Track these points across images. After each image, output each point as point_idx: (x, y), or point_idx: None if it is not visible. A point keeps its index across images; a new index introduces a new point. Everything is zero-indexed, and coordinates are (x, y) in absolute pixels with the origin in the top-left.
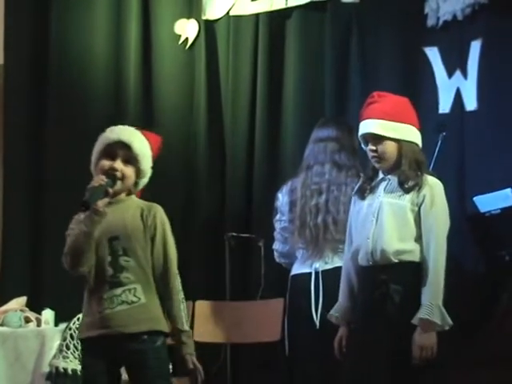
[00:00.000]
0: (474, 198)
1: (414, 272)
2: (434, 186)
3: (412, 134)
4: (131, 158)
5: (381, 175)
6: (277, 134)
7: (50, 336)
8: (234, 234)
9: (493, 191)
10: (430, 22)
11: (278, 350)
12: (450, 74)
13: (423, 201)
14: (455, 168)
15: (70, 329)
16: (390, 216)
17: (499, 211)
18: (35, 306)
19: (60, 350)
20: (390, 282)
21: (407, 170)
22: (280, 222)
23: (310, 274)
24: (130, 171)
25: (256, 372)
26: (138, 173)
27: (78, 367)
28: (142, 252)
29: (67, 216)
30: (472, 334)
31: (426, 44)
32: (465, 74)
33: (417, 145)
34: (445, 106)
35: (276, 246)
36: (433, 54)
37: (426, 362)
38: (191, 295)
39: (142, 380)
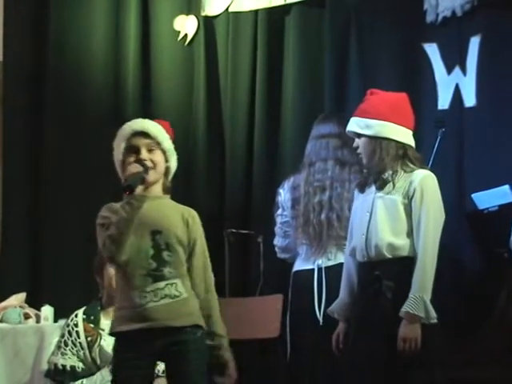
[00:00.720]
0: (473, 195)
1: (407, 267)
2: (425, 179)
3: (389, 130)
4: (153, 144)
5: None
6: (276, 131)
7: (49, 332)
8: (233, 230)
9: (491, 188)
10: (429, 18)
11: (276, 347)
12: (449, 70)
13: (414, 194)
14: (454, 164)
15: (68, 325)
16: (383, 211)
17: (497, 208)
18: (34, 302)
19: (58, 347)
20: (383, 278)
21: (377, 166)
22: (281, 216)
23: (313, 270)
24: (157, 157)
25: (255, 368)
26: (165, 155)
27: (77, 364)
28: (181, 249)
29: (66, 212)
30: (471, 331)
31: (425, 40)
32: (464, 70)
33: (396, 141)
34: (444, 102)
35: (276, 241)
36: (432, 50)
37: (410, 354)
38: None
39: (181, 371)
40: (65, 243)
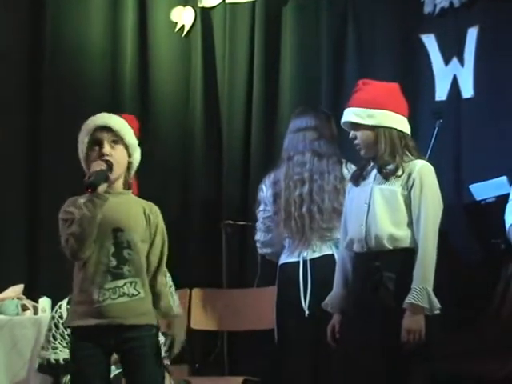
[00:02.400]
0: (470, 186)
1: (408, 258)
2: (423, 169)
3: (390, 119)
4: (115, 138)
5: (372, 162)
6: (273, 122)
7: (46, 324)
8: (231, 221)
9: (489, 179)
10: (427, 9)
11: (270, 338)
12: (447, 61)
13: (413, 185)
14: (451, 155)
15: (53, 318)
16: (382, 202)
17: (495, 199)
18: (32, 294)
19: (48, 341)
20: (383, 269)
21: (384, 156)
22: (264, 211)
23: (298, 262)
24: (119, 151)
25: (253, 359)
26: (127, 149)
27: (69, 356)
28: (142, 247)
29: (64, 202)
30: (469, 322)
31: (422, 31)
32: (461, 61)
33: (398, 130)
34: (441, 93)
35: (258, 236)
36: (429, 41)
37: (414, 346)
38: (188, 283)
39: (137, 366)
40: None
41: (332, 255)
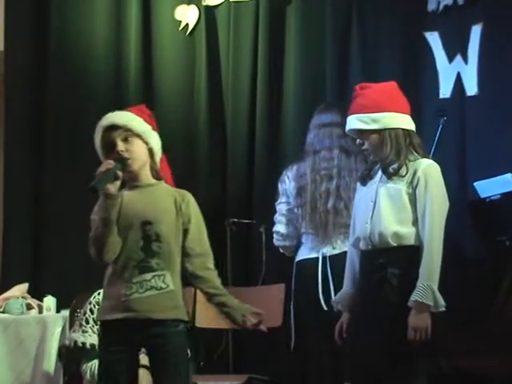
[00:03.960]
0: (475, 184)
1: (412, 255)
2: (429, 168)
3: (394, 120)
4: (123, 132)
5: (379, 162)
6: (277, 120)
7: (51, 323)
8: (235, 219)
9: (493, 176)
10: (431, 6)
11: (281, 336)
12: (451, 58)
13: (418, 183)
14: (456, 153)
15: (90, 303)
16: (387, 200)
17: (499, 196)
18: (37, 292)
19: (80, 324)
20: (388, 265)
21: (390, 156)
22: (286, 203)
23: (317, 259)
24: (133, 145)
25: (258, 357)
26: (141, 138)
27: (97, 342)
28: (173, 239)
29: (68, 203)
30: (473, 319)
31: (426, 29)
32: (465, 58)
33: (403, 129)
34: (445, 90)
35: (278, 228)
36: (433, 38)
37: (421, 344)
38: None
39: (163, 362)
40: (67, 234)
41: None
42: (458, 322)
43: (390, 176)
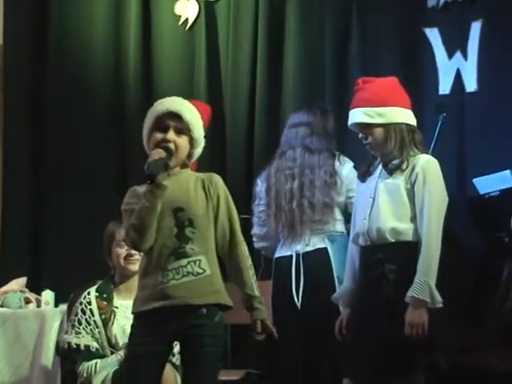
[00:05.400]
0: (474, 180)
1: (410, 251)
2: (427, 164)
3: (398, 115)
4: (183, 128)
5: (379, 158)
6: (277, 117)
7: (49, 317)
8: None
9: (492, 173)
10: (431, 2)
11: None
12: (451, 55)
13: (416, 179)
14: (455, 149)
15: (81, 303)
16: (385, 195)
17: (499, 193)
18: (35, 286)
19: (72, 326)
20: (385, 261)
21: (393, 152)
22: (258, 205)
23: (291, 256)
24: (183, 141)
25: (255, 352)
26: (192, 142)
27: (91, 343)
28: (205, 222)
29: (67, 197)
30: (472, 317)
31: (426, 25)
32: (465, 55)
33: (406, 124)
34: (445, 87)
35: (254, 230)
36: (433, 34)
37: (418, 339)
38: None
39: (196, 356)
40: (65, 228)
41: (325, 248)
42: (456, 318)
43: (390, 171)
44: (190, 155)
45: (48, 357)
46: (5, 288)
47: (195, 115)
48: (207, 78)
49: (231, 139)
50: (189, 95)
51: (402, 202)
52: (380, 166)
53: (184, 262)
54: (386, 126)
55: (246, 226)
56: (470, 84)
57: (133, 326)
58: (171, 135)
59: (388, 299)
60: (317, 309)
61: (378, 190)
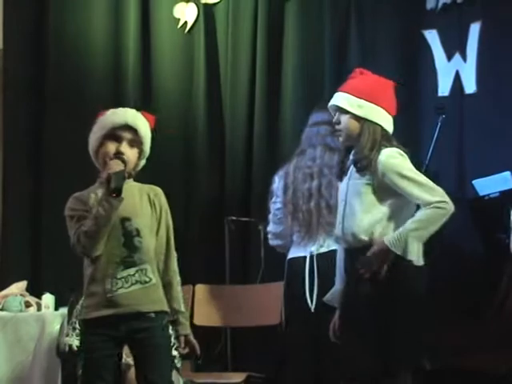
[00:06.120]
0: (473, 182)
1: (387, 250)
2: (385, 155)
3: (378, 115)
4: (136, 141)
5: (351, 156)
6: (276, 118)
7: (50, 320)
8: (234, 217)
9: (492, 174)
10: (430, 4)
11: (277, 334)
12: (450, 56)
13: (382, 172)
14: (454, 151)
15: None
16: (355, 197)
17: (498, 194)
18: (35, 290)
19: (73, 328)
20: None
21: (364, 151)
22: (275, 203)
23: (305, 257)
24: (133, 153)
25: (256, 355)
26: (140, 155)
27: None
28: (149, 233)
29: (67, 200)
30: (473, 316)
31: (425, 27)
32: (464, 56)
33: (382, 128)
34: (444, 88)
35: (270, 227)
36: (432, 36)
37: (366, 269)
38: (191, 279)
39: (147, 357)
40: (66, 232)
41: None
42: (456, 319)
43: (359, 171)
44: (135, 166)
45: (48, 360)
46: (5, 292)
47: (148, 129)
48: (206, 81)
49: (230, 141)
50: (188, 98)
51: (371, 201)
52: (351, 167)
53: (132, 270)
54: (361, 121)
55: (246, 228)
56: (469, 86)
57: (83, 333)
58: (125, 147)
59: (369, 301)
60: (329, 310)
61: (349, 191)
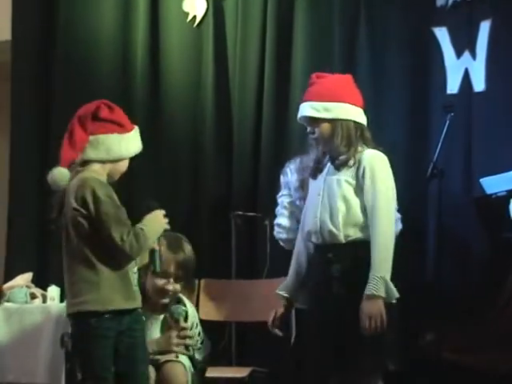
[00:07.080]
0: (481, 180)
1: (361, 249)
2: (374, 159)
3: (346, 111)
4: None
5: (328, 155)
6: (285, 113)
7: (55, 312)
8: (240, 212)
9: (499, 173)
10: (440, 2)
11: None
12: (459, 54)
13: (364, 174)
14: (462, 149)
15: None
16: (333, 193)
17: (505, 193)
18: (41, 282)
19: None
20: (335, 261)
21: (340, 148)
22: (288, 196)
23: None
24: None
25: (261, 350)
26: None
27: None
28: None
29: None
30: (478, 315)
31: (435, 24)
32: (473, 54)
33: (355, 122)
34: (453, 86)
35: (279, 220)
36: (442, 34)
37: (375, 331)
38: (197, 274)
39: (128, 351)
40: None
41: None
42: (462, 319)
43: (337, 167)
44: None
45: (53, 352)
46: (10, 283)
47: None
48: (215, 75)
49: (238, 136)
50: (196, 92)
51: (349, 198)
52: (329, 163)
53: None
54: (332, 122)
55: (252, 222)
56: (478, 84)
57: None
58: None
59: (337, 298)
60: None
61: (326, 187)
